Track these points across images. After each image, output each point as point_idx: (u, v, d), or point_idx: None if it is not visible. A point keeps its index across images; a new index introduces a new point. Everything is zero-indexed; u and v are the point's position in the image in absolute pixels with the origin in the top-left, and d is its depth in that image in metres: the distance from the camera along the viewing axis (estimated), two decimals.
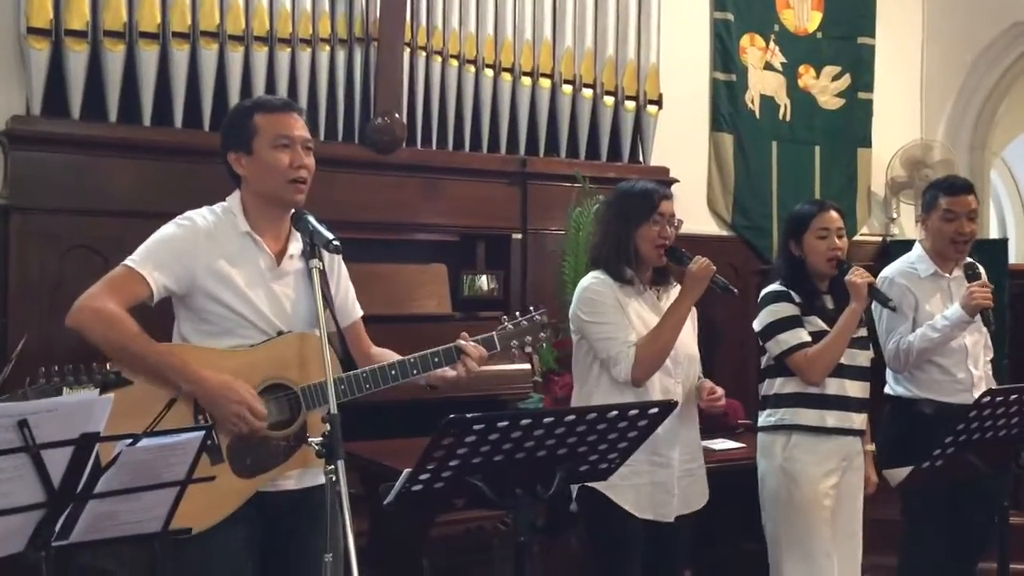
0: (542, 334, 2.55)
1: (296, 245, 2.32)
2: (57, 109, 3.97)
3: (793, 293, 3.09)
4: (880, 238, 6.19)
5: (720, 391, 2.86)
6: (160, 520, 1.62)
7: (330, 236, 2.17)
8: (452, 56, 4.77)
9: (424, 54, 4.70)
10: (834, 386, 3.04)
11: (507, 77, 4.92)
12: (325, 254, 2.30)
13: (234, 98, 4.25)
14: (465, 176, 4.83)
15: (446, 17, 4.76)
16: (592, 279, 2.86)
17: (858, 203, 6.13)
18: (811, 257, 3.10)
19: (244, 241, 2.30)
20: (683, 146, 5.53)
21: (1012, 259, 6.66)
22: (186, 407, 2.17)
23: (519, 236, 4.94)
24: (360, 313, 2.60)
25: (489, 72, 4.88)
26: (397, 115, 4.58)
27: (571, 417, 1.82)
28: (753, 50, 5.79)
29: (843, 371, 3.05)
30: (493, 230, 4.94)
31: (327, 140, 4.52)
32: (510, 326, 2.51)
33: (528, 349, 2.58)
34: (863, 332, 3.14)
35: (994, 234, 7.30)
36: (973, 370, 3.39)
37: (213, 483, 2.05)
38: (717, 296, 3.29)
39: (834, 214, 3.11)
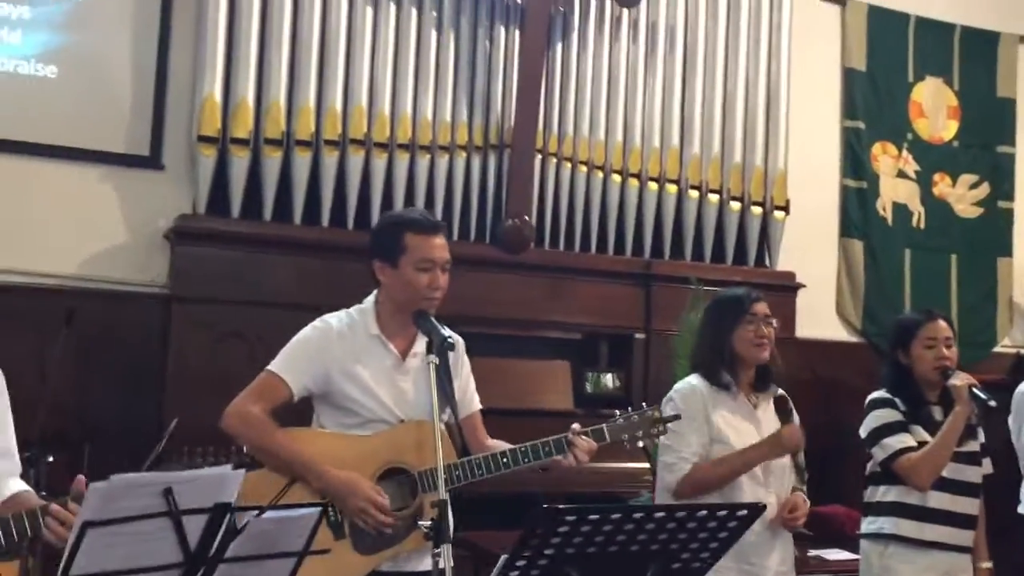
0: (654, 429, 2.61)
1: (421, 342, 2.50)
2: (219, 208, 4.38)
3: (898, 401, 3.07)
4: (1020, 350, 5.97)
5: (802, 509, 2.82)
6: None
7: (446, 335, 2.36)
8: (581, 162, 5.00)
9: (555, 160, 4.95)
10: (936, 499, 2.98)
11: (634, 183, 5.10)
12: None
13: (376, 200, 4.58)
14: (591, 277, 5.00)
15: (577, 125, 5.01)
16: (684, 383, 2.92)
17: (999, 313, 5.96)
18: (918, 366, 3.07)
19: (373, 342, 2.53)
20: (811, 251, 5.55)
21: None
22: (304, 487, 2.38)
23: (642, 336, 5.04)
24: (478, 406, 2.74)
25: (617, 178, 5.08)
26: (527, 217, 4.82)
27: (660, 514, 1.90)
28: (885, 158, 5.81)
29: (947, 485, 2.98)
30: (616, 329, 5.05)
31: (461, 240, 4.79)
32: (621, 420, 2.59)
33: (641, 444, 2.63)
34: (975, 447, 3.07)
35: None
36: None
37: (334, 557, 2.21)
38: (847, 398, 3.27)
39: (942, 324, 3.10)
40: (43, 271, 4.24)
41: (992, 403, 2.96)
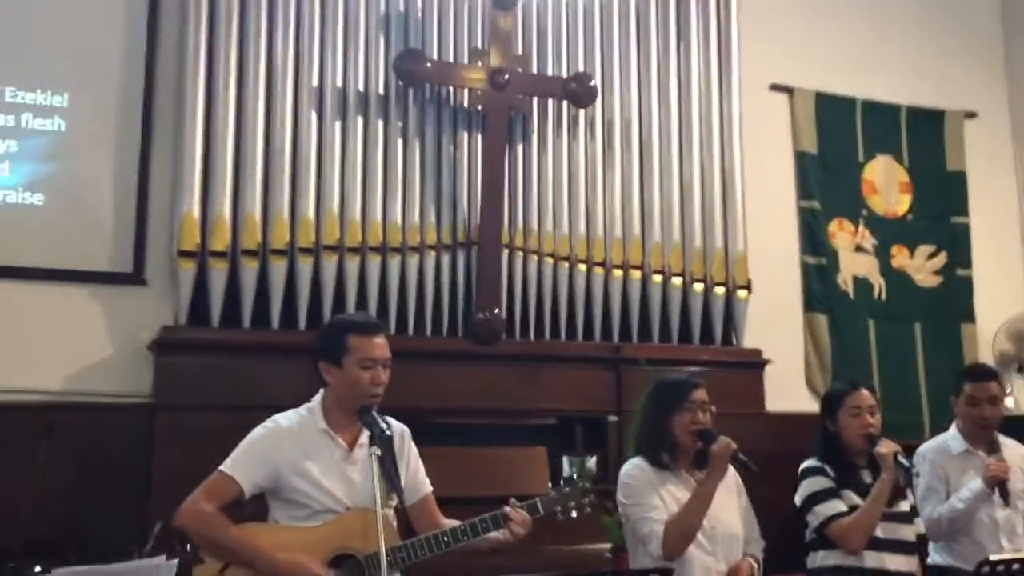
0: (585, 499, 2.79)
1: (367, 434, 2.69)
2: (200, 319, 4.60)
3: (828, 468, 3.23)
4: None
5: (745, 572, 2.97)
6: None
7: (384, 427, 2.55)
8: (547, 254, 5.22)
9: (521, 253, 5.17)
10: (872, 559, 3.12)
11: (599, 271, 5.31)
12: (396, 437, 2.68)
13: (351, 301, 4.80)
14: (562, 363, 5.17)
15: (541, 219, 5.25)
16: (630, 465, 3.11)
17: None
18: (845, 433, 3.25)
19: (321, 437, 2.72)
20: (776, 327, 5.72)
21: None
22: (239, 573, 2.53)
23: (615, 418, 5.19)
24: (429, 489, 2.91)
25: (582, 267, 5.29)
26: (497, 310, 5.02)
27: None
28: (842, 234, 6.04)
29: (881, 544, 3.12)
30: (590, 413, 5.20)
31: (434, 335, 4.99)
32: (553, 493, 2.78)
33: (573, 514, 2.81)
34: (905, 507, 3.22)
35: None
36: (1006, 544, 3.50)
37: None
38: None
39: (865, 393, 3.29)
40: (32, 387, 4.43)
41: (915, 470, 3.15)
